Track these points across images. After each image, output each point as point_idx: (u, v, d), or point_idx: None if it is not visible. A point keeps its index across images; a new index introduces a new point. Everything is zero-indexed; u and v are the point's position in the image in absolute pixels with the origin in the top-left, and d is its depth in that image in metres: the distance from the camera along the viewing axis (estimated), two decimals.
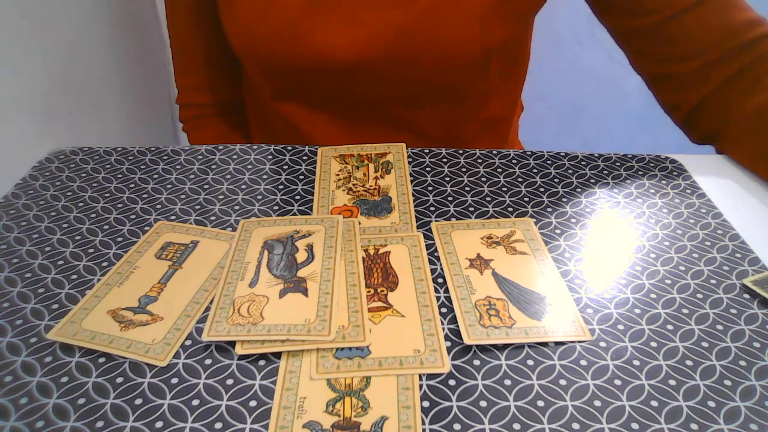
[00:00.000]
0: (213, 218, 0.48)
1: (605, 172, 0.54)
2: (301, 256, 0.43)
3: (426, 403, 0.33)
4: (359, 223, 0.47)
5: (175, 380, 0.35)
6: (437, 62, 0.59)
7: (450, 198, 0.50)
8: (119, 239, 0.46)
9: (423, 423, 0.32)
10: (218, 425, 0.32)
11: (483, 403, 0.33)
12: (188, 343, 0.37)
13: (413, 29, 0.58)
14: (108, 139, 0.79)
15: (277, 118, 0.69)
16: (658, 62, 0.58)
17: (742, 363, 0.36)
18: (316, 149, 0.57)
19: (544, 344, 0.37)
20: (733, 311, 0.39)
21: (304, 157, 0.56)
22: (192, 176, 0.54)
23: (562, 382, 0.34)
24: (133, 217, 0.48)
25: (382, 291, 0.41)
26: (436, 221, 0.48)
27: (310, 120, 0.67)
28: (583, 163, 0.55)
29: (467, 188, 0.52)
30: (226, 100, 0.76)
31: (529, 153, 0.56)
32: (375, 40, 0.59)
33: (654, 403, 0.33)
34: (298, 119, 0.68)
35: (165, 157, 0.56)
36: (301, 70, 0.62)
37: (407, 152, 0.56)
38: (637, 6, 0.56)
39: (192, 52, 0.72)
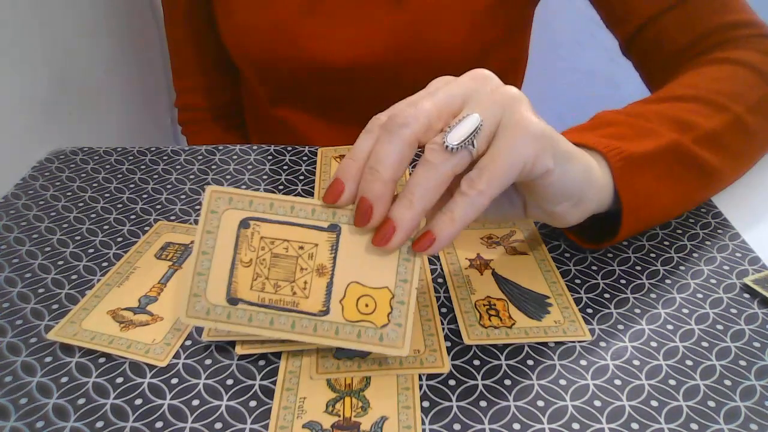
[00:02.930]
0: None
1: None
2: None
3: (426, 403, 0.33)
4: None
5: (175, 380, 0.35)
6: (432, 64, 0.59)
7: None
8: (119, 239, 0.46)
9: (423, 423, 0.32)
10: (218, 425, 0.32)
11: (483, 403, 0.33)
12: (188, 343, 0.37)
13: (407, 32, 0.58)
14: (108, 139, 0.79)
15: (275, 121, 0.69)
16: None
17: (742, 363, 0.36)
18: (316, 150, 0.57)
19: (544, 344, 0.37)
20: (733, 311, 0.39)
21: (304, 158, 0.56)
22: (192, 176, 0.54)
23: (562, 382, 0.34)
24: (133, 217, 0.48)
25: None
26: None
27: (308, 123, 0.67)
28: None
29: None
30: (223, 103, 0.77)
31: None
32: (370, 43, 0.59)
33: (654, 403, 0.33)
34: (296, 122, 0.68)
35: (165, 158, 0.56)
36: (297, 73, 0.62)
37: None
38: (624, 10, 0.56)
39: (189, 55, 0.73)
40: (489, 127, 0.32)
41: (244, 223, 0.34)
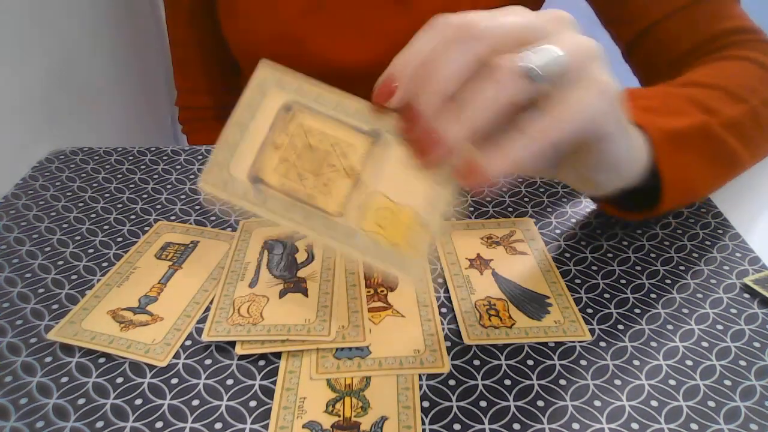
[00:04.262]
0: (213, 218, 0.48)
1: None
2: (301, 257, 0.43)
3: (426, 403, 0.33)
4: None
5: (175, 380, 0.35)
6: None
7: None
8: (119, 239, 0.46)
9: (423, 423, 0.32)
10: (218, 425, 0.32)
11: (483, 403, 0.33)
12: (188, 343, 0.37)
13: (411, 34, 0.58)
14: (108, 139, 0.79)
15: None
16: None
17: (742, 363, 0.36)
18: None
19: (544, 344, 0.37)
20: (733, 311, 0.39)
21: None
22: (192, 176, 0.54)
23: (562, 382, 0.34)
24: (133, 217, 0.48)
25: (382, 291, 0.41)
26: None
27: None
28: None
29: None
30: (225, 102, 0.77)
31: None
32: (374, 44, 0.59)
33: (654, 403, 0.33)
34: None
35: (165, 157, 0.56)
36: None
37: None
38: (626, 13, 0.56)
39: (191, 55, 0.73)
40: (563, 69, 0.28)
41: (286, 107, 0.32)
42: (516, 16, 0.30)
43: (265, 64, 0.33)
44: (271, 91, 0.32)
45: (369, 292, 0.40)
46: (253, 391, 0.34)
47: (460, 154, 0.29)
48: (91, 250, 0.45)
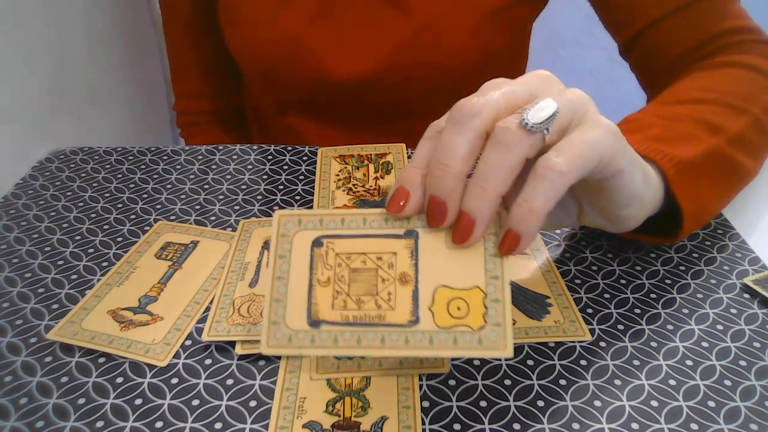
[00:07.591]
0: (213, 218, 0.48)
1: None
2: None
3: (426, 403, 0.33)
4: None
5: (175, 380, 0.35)
6: (436, 73, 0.59)
7: None
8: (119, 239, 0.46)
9: (423, 423, 0.32)
10: (218, 425, 0.32)
11: (483, 403, 0.33)
12: (188, 343, 0.37)
13: (413, 42, 0.58)
14: (108, 139, 0.79)
15: (279, 128, 0.69)
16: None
17: (742, 363, 0.36)
18: (316, 150, 0.57)
19: (544, 344, 0.37)
20: (733, 311, 0.39)
21: (304, 158, 0.56)
22: (192, 176, 0.54)
23: (562, 382, 0.34)
24: (133, 217, 0.48)
25: None
26: None
27: (312, 130, 0.67)
28: None
29: None
30: (222, 107, 0.76)
31: None
32: (376, 53, 0.59)
33: (654, 403, 0.33)
34: (300, 130, 0.68)
35: (165, 157, 0.56)
36: (306, 83, 0.62)
37: (407, 153, 0.56)
38: (625, 13, 0.56)
39: (189, 61, 0.72)
40: (563, 119, 0.30)
41: (317, 243, 0.32)
42: (505, 85, 0.31)
43: (279, 214, 0.33)
44: (296, 235, 0.32)
45: None
46: (253, 391, 0.34)
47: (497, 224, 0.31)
48: (91, 250, 0.45)
